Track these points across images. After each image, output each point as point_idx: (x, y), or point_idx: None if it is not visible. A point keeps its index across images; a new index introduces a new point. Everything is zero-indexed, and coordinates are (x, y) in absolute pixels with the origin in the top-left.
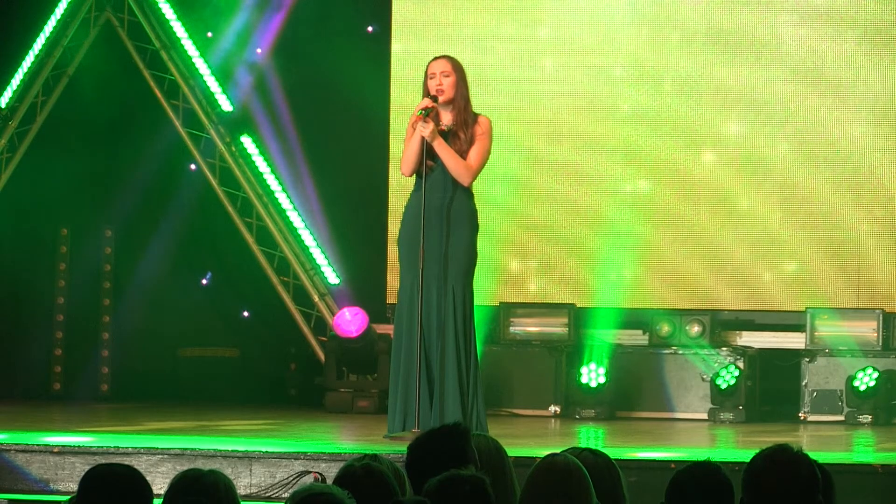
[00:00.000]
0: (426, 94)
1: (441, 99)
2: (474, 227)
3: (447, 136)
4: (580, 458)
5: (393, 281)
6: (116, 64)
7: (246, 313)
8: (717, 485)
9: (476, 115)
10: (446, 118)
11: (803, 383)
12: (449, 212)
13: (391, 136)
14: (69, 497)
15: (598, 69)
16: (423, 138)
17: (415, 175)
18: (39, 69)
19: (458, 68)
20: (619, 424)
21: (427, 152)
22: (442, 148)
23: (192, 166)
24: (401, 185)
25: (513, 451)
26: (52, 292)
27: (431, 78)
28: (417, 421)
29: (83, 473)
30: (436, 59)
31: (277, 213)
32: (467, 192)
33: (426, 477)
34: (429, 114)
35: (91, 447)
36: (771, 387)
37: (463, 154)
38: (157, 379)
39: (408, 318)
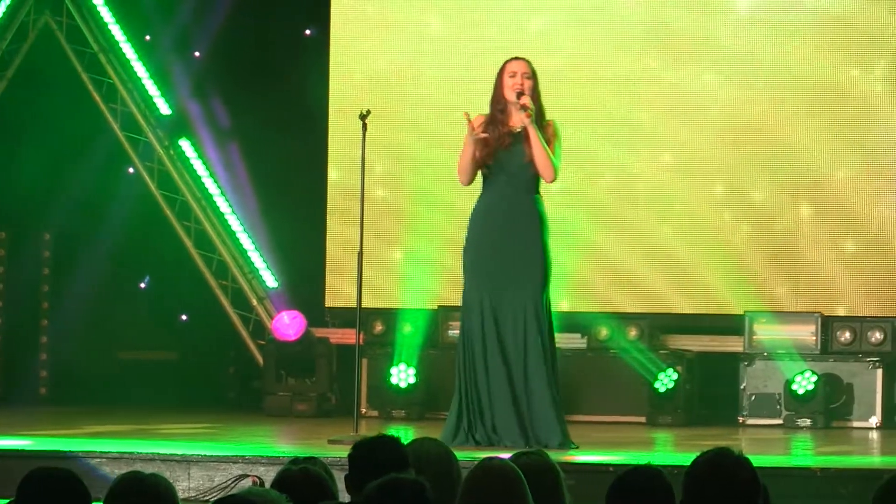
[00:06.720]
0: (499, 90)
1: (521, 100)
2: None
3: (521, 138)
4: (519, 461)
5: (332, 282)
6: (55, 67)
7: (184, 317)
8: (659, 489)
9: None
10: (517, 120)
11: (742, 387)
12: (519, 213)
13: (330, 136)
14: (7, 501)
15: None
16: (474, 143)
17: (481, 177)
18: None
19: (535, 73)
20: None
21: (493, 154)
22: (535, 136)
23: (131, 169)
24: (341, 187)
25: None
26: None
27: (512, 76)
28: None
29: (21, 477)
30: (516, 59)
31: (216, 216)
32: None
33: (366, 482)
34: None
35: (29, 451)
36: (709, 390)
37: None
38: (96, 382)
39: (479, 328)
